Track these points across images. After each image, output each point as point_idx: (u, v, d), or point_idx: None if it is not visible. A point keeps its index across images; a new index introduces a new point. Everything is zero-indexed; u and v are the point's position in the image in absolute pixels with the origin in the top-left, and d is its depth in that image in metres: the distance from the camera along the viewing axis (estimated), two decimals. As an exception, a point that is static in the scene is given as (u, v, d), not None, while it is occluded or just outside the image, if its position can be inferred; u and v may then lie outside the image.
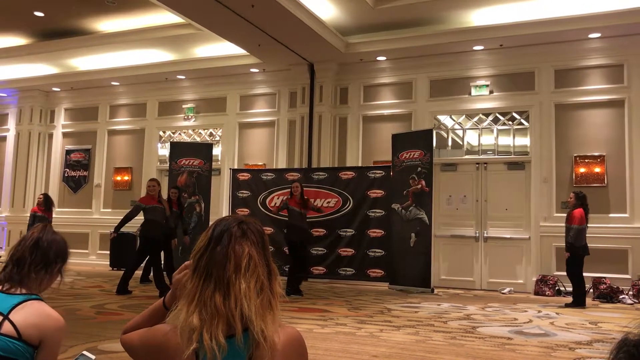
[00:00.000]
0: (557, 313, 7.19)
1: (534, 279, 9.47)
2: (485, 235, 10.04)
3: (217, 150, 12.23)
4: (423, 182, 9.44)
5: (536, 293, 9.26)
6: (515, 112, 10.11)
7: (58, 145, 14.14)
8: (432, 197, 9.42)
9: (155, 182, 8.45)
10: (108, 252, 12.40)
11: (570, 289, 8.51)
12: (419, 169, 9.51)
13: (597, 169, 9.40)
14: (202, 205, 11.14)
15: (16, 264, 1.95)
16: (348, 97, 11.31)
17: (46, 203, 10.57)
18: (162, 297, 1.63)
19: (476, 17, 9.75)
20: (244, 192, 11.08)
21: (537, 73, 9.95)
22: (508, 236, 9.90)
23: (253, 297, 1.39)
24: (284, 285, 7.51)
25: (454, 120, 10.57)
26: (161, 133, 13.09)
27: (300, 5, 8.98)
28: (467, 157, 10.40)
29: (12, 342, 1.79)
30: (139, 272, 9.18)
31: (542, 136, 9.79)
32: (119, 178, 13.27)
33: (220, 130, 12.41)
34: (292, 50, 10.42)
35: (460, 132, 10.55)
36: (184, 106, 12.77)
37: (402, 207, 9.65)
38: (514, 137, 10.14)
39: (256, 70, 11.85)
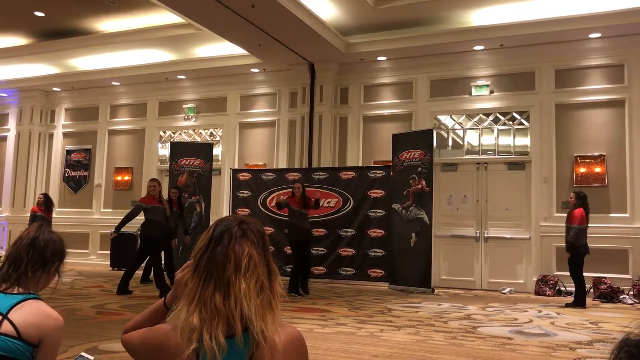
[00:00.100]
0: (557, 313, 7.19)
1: (535, 279, 9.47)
2: (485, 235, 10.03)
3: (217, 150, 12.23)
4: (423, 182, 9.44)
5: (537, 293, 9.26)
6: (516, 112, 10.11)
7: (58, 145, 14.14)
8: (432, 197, 9.42)
9: (156, 182, 8.46)
10: (108, 252, 12.41)
11: (571, 289, 8.52)
12: (420, 169, 9.51)
13: (598, 169, 9.40)
14: (203, 205, 11.14)
15: (13, 263, 1.94)
16: (348, 97, 11.31)
17: (46, 203, 10.60)
18: (163, 297, 1.64)
19: (476, 17, 9.75)
20: (245, 192, 11.08)
21: (538, 73, 9.95)
22: (508, 236, 9.90)
23: (253, 297, 1.39)
24: (286, 285, 7.50)
25: (455, 120, 10.56)
26: (161, 133, 13.09)
27: (301, 5, 8.97)
28: (467, 157, 10.40)
29: (12, 341, 1.79)
30: (139, 272, 9.18)
31: (542, 136, 9.79)
32: (119, 178, 13.27)
33: (221, 130, 12.41)
34: (292, 50, 10.42)
35: (460, 132, 10.55)
36: (184, 106, 12.77)
37: (402, 207, 9.65)
38: (514, 137, 10.14)
39: (256, 70, 11.85)
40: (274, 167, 11.47)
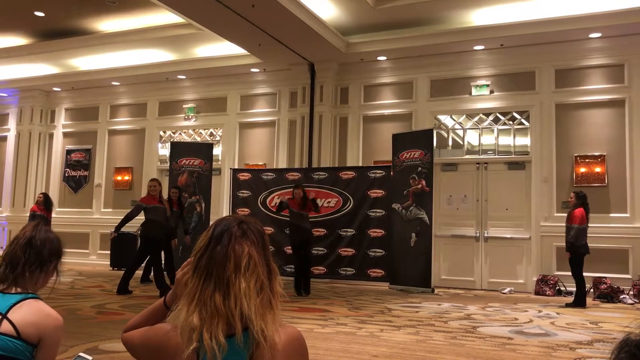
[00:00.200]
0: (557, 313, 7.19)
1: (535, 278, 9.47)
2: (485, 235, 10.03)
3: (217, 150, 12.23)
4: (423, 182, 9.44)
5: (537, 293, 9.26)
6: (516, 112, 10.10)
7: (58, 145, 14.14)
8: (432, 197, 9.41)
9: (156, 182, 8.47)
10: (108, 252, 12.41)
11: (571, 288, 8.52)
12: (420, 168, 9.51)
13: (598, 169, 9.40)
14: (203, 205, 11.14)
15: (10, 264, 1.93)
16: (348, 97, 11.31)
17: (46, 202, 10.64)
18: (163, 297, 1.64)
19: (476, 17, 9.75)
20: (245, 192, 11.08)
21: (538, 73, 9.95)
22: (508, 236, 9.90)
23: (253, 297, 1.39)
24: (286, 285, 7.50)
25: (455, 120, 10.56)
26: (161, 133, 13.09)
27: (301, 5, 8.97)
28: (467, 157, 10.40)
29: (12, 341, 1.79)
30: (139, 272, 9.18)
31: (542, 136, 9.79)
32: (119, 178, 13.27)
33: (221, 130, 12.41)
34: (292, 50, 10.42)
35: (460, 132, 10.55)
36: (184, 106, 12.77)
37: (402, 207, 9.65)
38: (514, 137, 10.14)
39: (256, 70, 11.84)
40: (274, 167, 11.47)
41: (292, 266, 9.03)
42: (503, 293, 9.41)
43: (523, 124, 10.05)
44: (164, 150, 12.83)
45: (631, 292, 8.59)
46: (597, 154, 9.45)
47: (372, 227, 10.02)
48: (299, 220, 8.58)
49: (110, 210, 13.10)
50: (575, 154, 9.58)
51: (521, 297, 9.00)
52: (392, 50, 10.48)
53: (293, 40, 9.99)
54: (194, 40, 11.26)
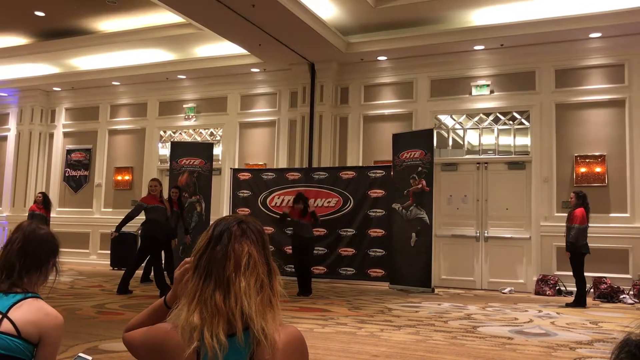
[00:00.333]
0: (557, 313, 7.19)
1: (535, 278, 9.47)
2: (485, 235, 10.03)
3: (217, 150, 12.23)
4: (424, 182, 9.44)
5: (537, 293, 9.26)
6: (516, 112, 10.10)
7: (59, 145, 14.14)
8: (432, 197, 9.41)
9: (157, 182, 8.48)
10: (109, 251, 12.41)
11: (571, 288, 8.53)
12: (420, 168, 9.51)
13: (598, 169, 9.40)
14: (203, 205, 11.14)
15: (5, 270, 1.91)
16: (349, 97, 11.31)
17: (45, 202, 10.72)
18: (164, 296, 1.64)
19: (476, 17, 9.75)
20: (245, 191, 11.09)
21: (538, 73, 9.94)
22: (509, 236, 9.90)
23: (253, 295, 1.40)
24: (287, 285, 7.50)
25: (455, 120, 10.56)
26: (162, 133, 13.09)
27: (301, 5, 8.97)
28: (467, 156, 10.40)
29: (12, 340, 1.79)
30: (139, 272, 9.18)
31: (542, 136, 9.79)
32: (119, 178, 13.27)
33: (221, 130, 12.41)
34: (292, 50, 10.42)
35: (460, 132, 10.55)
36: (184, 106, 12.77)
37: (402, 206, 9.65)
38: (514, 137, 10.13)
39: (257, 70, 11.84)
40: (274, 167, 11.47)
41: (292, 266, 9.05)
42: (503, 293, 9.41)
43: (523, 123, 10.05)
44: (164, 150, 12.83)
45: (631, 292, 8.59)
46: (597, 154, 9.45)
47: (372, 227, 10.02)
48: (297, 229, 8.63)
49: (111, 210, 13.10)
50: (576, 154, 9.58)
51: (521, 297, 9.00)
52: (392, 50, 10.48)
53: (293, 40, 9.99)
54: (194, 40, 11.26)
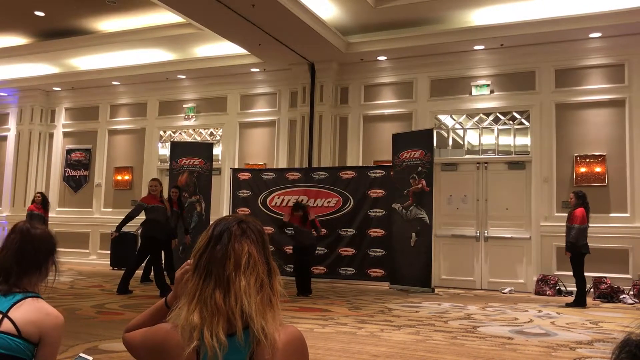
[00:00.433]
0: (557, 313, 7.19)
1: (535, 278, 9.47)
2: (485, 234, 10.03)
3: (217, 150, 12.23)
4: (423, 182, 9.43)
5: (537, 293, 9.26)
6: (516, 112, 10.10)
7: (59, 145, 14.14)
8: (432, 197, 9.41)
9: (157, 182, 8.49)
10: (109, 251, 12.41)
11: (571, 288, 8.52)
12: (420, 168, 9.51)
13: (598, 169, 9.40)
14: (203, 204, 11.14)
15: (3, 273, 1.91)
16: (348, 97, 11.31)
17: (44, 202, 10.79)
18: (164, 297, 1.64)
19: (476, 17, 9.74)
20: (245, 191, 11.08)
21: (538, 73, 9.94)
22: (509, 236, 9.90)
23: (253, 294, 1.40)
24: (287, 285, 7.50)
25: (455, 120, 10.56)
26: (162, 133, 13.09)
27: (301, 5, 8.97)
28: (467, 156, 10.40)
29: (12, 339, 1.79)
30: (139, 272, 9.18)
31: (542, 136, 9.79)
32: (119, 177, 13.27)
33: (221, 129, 12.41)
34: (292, 50, 10.41)
35: (460, 132, 10.55)
36: (184, 106, 12.77)
37: (402, 206, 9.65)
38: (514, 137, 10.13)
39: (257, 70, 11.84)
40: (274, 167, 11.47)
41: (292, 266, 9.05)
42: (503, 293, 9.41)
43: (523, 123, 10.05)
44: (164, 150, 12.83)
45: (631, 292, 8.59)
46: (597, 153, 9.45)
47: (372, 226, 10.02)
48: (298, 235, 8.66)
49: (111, 210, 13.10)
50: (576, 154, 9.57)
51: (521, 297, 9.00)
52: (392, 50, 10.48)
53: (293, 40, 9.99)
54: (194, 40, 11.26)
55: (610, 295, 8.57)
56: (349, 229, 10.15)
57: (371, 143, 11.09)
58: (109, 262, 12.36)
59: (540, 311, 7.29)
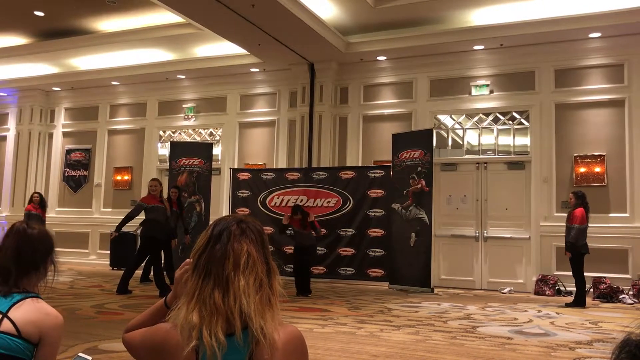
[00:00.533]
0: (557, 313, 7.19)
1: (534, 278, 9.47)
2: (485, 235, 10.03)
3: (217, 150, 12.22)
4: (423, 182, 9.44)
5: (536, 293, 9.26)
6: (516, 112, 10.10)
7: (58, 145, 14.14)
8: (432, 197, 9.42)
9: (157, 182, 8.49)
10: (108, 251, 12.41)
11: (571, 288, 8.52)
12: (419, 168, 9.51)
13: (598, 169, 9.40)
14: (202, 204, 11.14)
15: (2, 276, 1.91)
16: (348, 97, 11.31)
17: (41, 202, 10.86)
18: (163, 297, 1.64)
19: (476, 17, 9.75)
20: (244, 191, 11.08)
21: (538, 73, 9.94)
22: (508, 236, 9.90)
23: (252, 294, 1.40)
24: (286, 285, 7.49)
25: (454, 120, 10.56)
26: (161, 133, 13.09)
27: (301, 5, 8.97)
28: (467, 156, 10.40)
29: (12, 339, 1.79)
30: (139, 272, 9.17)
31: (542, 136, 9.79)
32: (119, 178, 13.27)
33: (221, 129, 12.41)
34: (292, 50, 10.41)
35: (460, 132, 10.55)
36: (184, 106, 12.77)
37: (402, 206, 9.65)
38: (514, 137, 10.13)
39: (256, 70, 11.84)
40: (274, 167, 11.47)
41: (292, 266, 9.04)
42: (503, 293, 9.41)
43: (523, 123, 10.05)
44: (164, 150, 12.83)
45: (631, 292, 8.59)
46: (596, 153, 9.45)
47: (371, 226, 10.02)
48: (299, 237, 8.67)
49: (110, 210, 13.10)
50: (575, 154, 9.58)
51: (521, 297, 9.00)
52: (392, 50, 10.48)
53: (293, 40, 9.99)
54: (194, 40, 11.26)
55: (609, 295, 8.58)
56: (348, 229, 10.15)
57: (371, 143, 11.09)
58: (108, 262, 12.35)
59: (539, 311, 7.29)
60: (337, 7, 9.57)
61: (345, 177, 10.34)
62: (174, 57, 12.11)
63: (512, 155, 10.09)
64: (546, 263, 9.53)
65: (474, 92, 10.35)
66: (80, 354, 1.85)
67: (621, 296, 8.51)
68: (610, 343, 4.97)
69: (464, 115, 10.47)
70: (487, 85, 10.28)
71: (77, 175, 13.79)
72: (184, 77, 12.56)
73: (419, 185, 9.47)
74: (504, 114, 10.18)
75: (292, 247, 9.01)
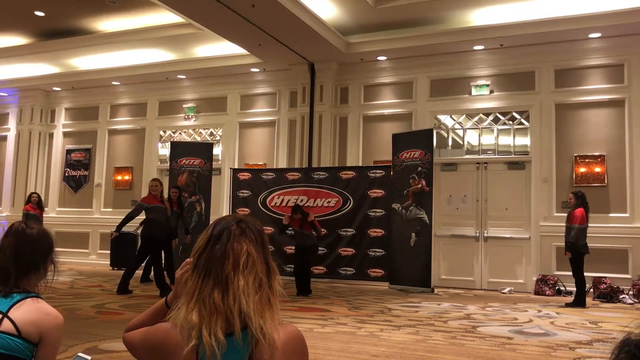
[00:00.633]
0: (557, 313, 7.19)
1: (534, 278, 9.47)
2: (485, 235, 10.03)
3: (217, 150, 12.23)
4: (423, 182, 9.44)
5: (536, 293, 9.26)
6: (516, 112, 10.11)
7: (58, 145, 14.14)
8: (432, 197, 9.42)
9: (157, 182, 8.49)
10: (108, 251, 12.41)
11: (571, 288, 8.53)
12: (419, 168, 9.51)
13: (598, 169, 9.40)
14: (203, 204, 11.14)
15: (1, 277, 1.91)
16: (348, 97, 11.31)
17: (40, 202, 10.95)
18: (164, 296, 1.64)
19: (476, 17, 9.75)
20: (245, 191, 11.09)
21: (538, 73, 9.95)
22: (508, 236, 9.90)
23: (251, 294, 1.40)
24: (286, 285, 7.49)
25: (454, 120, 10.56)
26: (162, 133, 13.09)
27: (301, 5, 8.97)
28: (467, 156, 10.40)
29: (12, 339, 1.79)
30: (139, 272, 9.18)
31: (542, 136, 9.79)
32: (119, 178, 13.27)
33: (221, 129, 12.41)
34: (292, 50, 10.42)
35: (460, 132, 10.55)
36: (184, 106, 12.77)
37: (402, 206, 9.65)
38: (514, 137, 10.14)
39: (256, 70, 11.84)
40: (274, 167, 11.47)
41: (292, 266, 9.05)
42: (503, 293, 9.42)
43: (523, 123, 10.05)
44: (164, 150, 12.83)
45: (631, 292, 8.59)
46: (596, 153, 9.45)
47: (372, 226, 10.02)
48: (299, 238, 8.68)
49: (110, 210, 13.10)
50: (575, 154, 9.58)
51: (521, 297, 9.00)
52: (392, 50, 10.48)
53: (293, 40, 9.99)
54: (194, 40, 11.26)
55: (609, 295, 8.58)
56: (348, 229, 10.16)
57: (371, 143, 11.09)
58: (108, 262, 12.36)
59: (539, 311, 7.30)
60: (337, 7, 9.57)
61: (346, 177, 10.34)
62: (174, 57, 12.12)
63: (512, 155, 10.09)
64: (546, 263, 9.53)
65: (474, 92, 10.35)
66: (80, 354, 1.85)
67: (621, 296, 8.51)
68: (610, 343, 4.97)
69: (464, 115, 10.47)
70: (487, 85, 10.28)
71: (77, 175, 13.80)
72: (184, 77, 12.57)
73: (419, 185, 9.47)
74: (504, 114, 10.18)
75: (293, 247, 9.01)
